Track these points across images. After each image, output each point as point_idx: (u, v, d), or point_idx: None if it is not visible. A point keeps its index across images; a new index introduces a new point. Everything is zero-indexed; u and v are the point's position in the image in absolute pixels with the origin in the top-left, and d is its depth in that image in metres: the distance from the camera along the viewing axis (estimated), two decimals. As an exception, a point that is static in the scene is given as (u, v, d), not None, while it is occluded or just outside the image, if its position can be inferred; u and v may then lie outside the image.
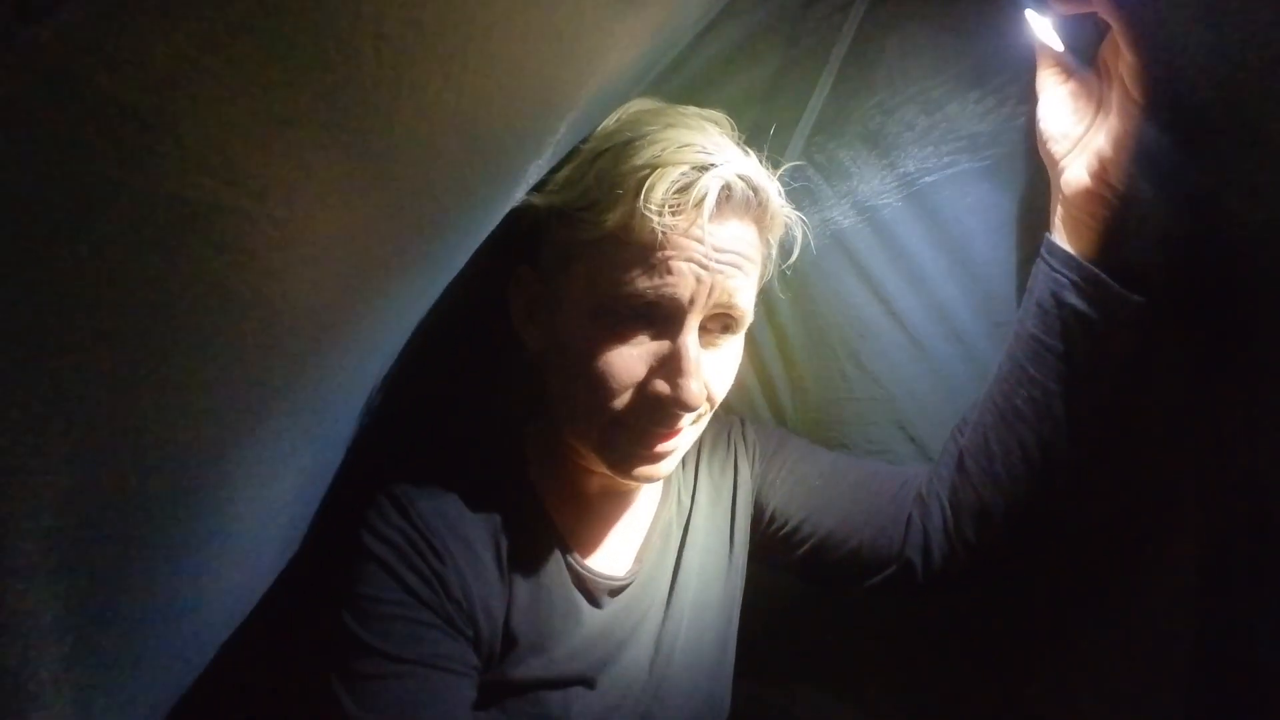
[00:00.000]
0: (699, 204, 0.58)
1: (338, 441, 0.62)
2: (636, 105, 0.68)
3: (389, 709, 0.59)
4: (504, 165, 0.58)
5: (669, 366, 0.61)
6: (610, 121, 0.66)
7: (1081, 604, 0.77)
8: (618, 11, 0.54)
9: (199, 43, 0.27)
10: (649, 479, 0.66)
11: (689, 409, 0.61)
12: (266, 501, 0.52)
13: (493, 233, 0.62)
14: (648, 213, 0.57)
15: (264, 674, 0.68)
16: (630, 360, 0.61)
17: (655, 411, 0.62)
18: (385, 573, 0.62)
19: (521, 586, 0.67)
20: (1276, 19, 0.51)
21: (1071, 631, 0.78)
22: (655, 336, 0.62)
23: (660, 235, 0.58)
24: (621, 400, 0.62)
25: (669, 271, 0.59)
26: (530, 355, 0.69)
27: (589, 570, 0.70)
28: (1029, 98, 0.73)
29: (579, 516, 0.72)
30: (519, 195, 0.64)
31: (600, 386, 0.62)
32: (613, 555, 0.73)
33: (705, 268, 0.59)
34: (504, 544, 0.67)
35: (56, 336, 0.29)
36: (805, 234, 0.70)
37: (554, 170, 0.65)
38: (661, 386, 0.61)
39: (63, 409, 0.30)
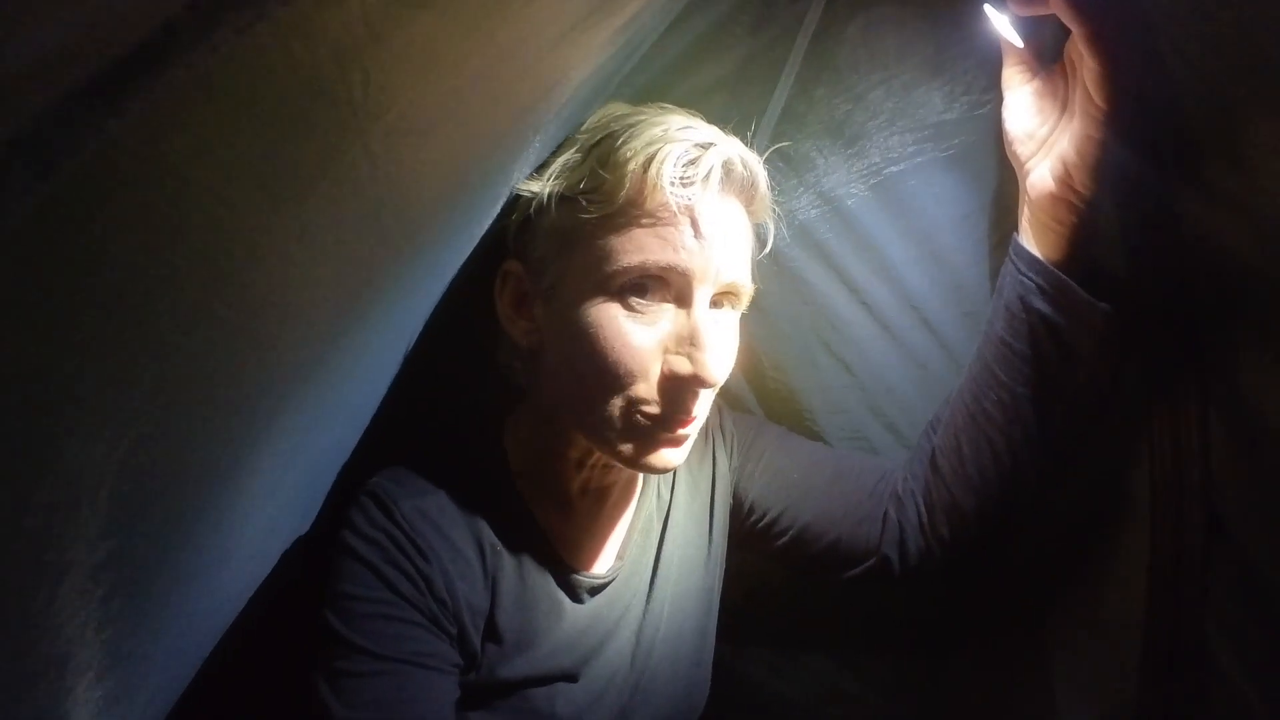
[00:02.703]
0: (706, 178, 0.61)
1: (332, 451, 0.64)
2: (611, 108, 0.68)
3: (373, 706, 0.61)
4: (479, 192, 0.59)
5: (686, 343, 0.62)
6: (594, 119, 0.66)
7: (1048, 590, 0.81)
8: (581, 28, 0.53)
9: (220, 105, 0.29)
10: (667, 468, 0.66)
11: (709, 385, 0.62)
12: (267, 513, 0.54)
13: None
14: (660, 184, 0.58)
15: (252, 673, 0.70)
16: (647, 338, 0.62)
17: (676, 391, 0.62)
18: (369, 571, 0.63)
19: (505, 585, 0.68)
20: (1247, 27, 0.52)
21: (1041, 615, 0.82)
22: (668, 315, 0.62)
23: (672, 207, 0.60)
24: (642, 382, 0.62)
25: (681, 244, 0.60)
26: (518, 352, 0.69)
27: (572, 568, 0.72)
28: (994, 86, 0.73)
29: (561, 514, 0.73)
30: (495, 212, 0.64)
31: (619, 367, 0.61)
32: (595, 552, 0.75)
33: (713, 241, 0.61)
34: (487, 543, 0.68)
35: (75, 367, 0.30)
36: (776, 223, 0.72)
37: (542, 164, 0.65)
38: (681, 364, 0.62)
39: (101, 444, 0.32)
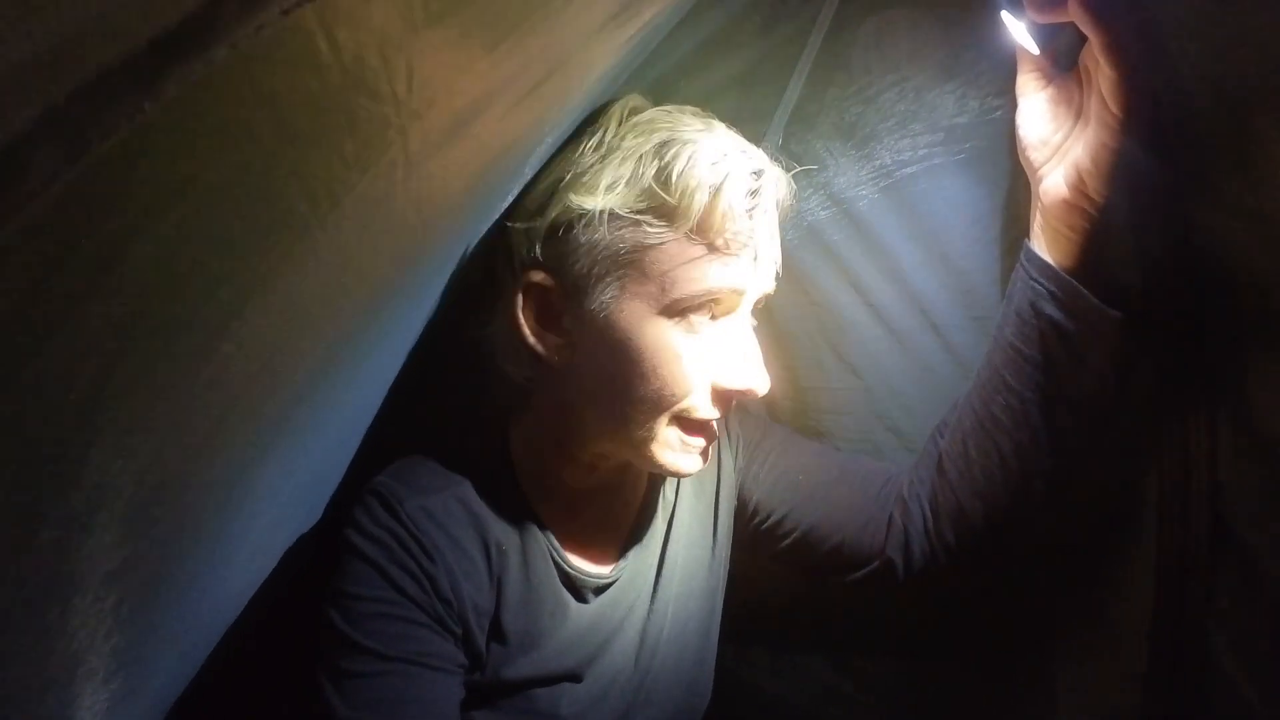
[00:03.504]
0: (765, 205, 0.63)
1: (336, 450, 0.65)
2: (635, 103, 0.68)
3: (377, 706, 0.61)
4: (491, 192, 0.59)
5: (734, 355, 0.65)
6: (627, 120, 0.65)
7: (1052, 596, 0.81)
8: (610, 26, 0.53)
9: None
10: (695, 471, 0.68)
11: (761, 395, 0.65)
12: (272, 513, 0.55)
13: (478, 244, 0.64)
14: (732, 215, 0.61)
15: (257, 671, 0.70)
16: (703, 353, 0.63)
17: (724, 401, 0.65)
18: (374, 571, 0.63)
19: (510, 585, 0.68)
20: (1252, 33, 0.52)
21: (1045, 620, 0.82)
22: (718, 328, 0.64)
23: (742, 238, 0.62)
24: (694, 395, 0.64)
25: (742, 267, 0.63)
26: (520, 358, 0.68)
27: (576, 568, 0.71)
28: (1007, 91, 0.72)
29: (565, 514, 0.72)
30: (500, 210, 0.63)
31: (676, 384, 0.63)
32: (599, 552, 0.75)
33: (764, 260, 0.65)
34: (492, 542, 0.68)
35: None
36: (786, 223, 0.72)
37: (569, 170, 0.64)
38: (734, 378, 0.64)
39: (113, 457, 0.31)
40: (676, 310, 0.62)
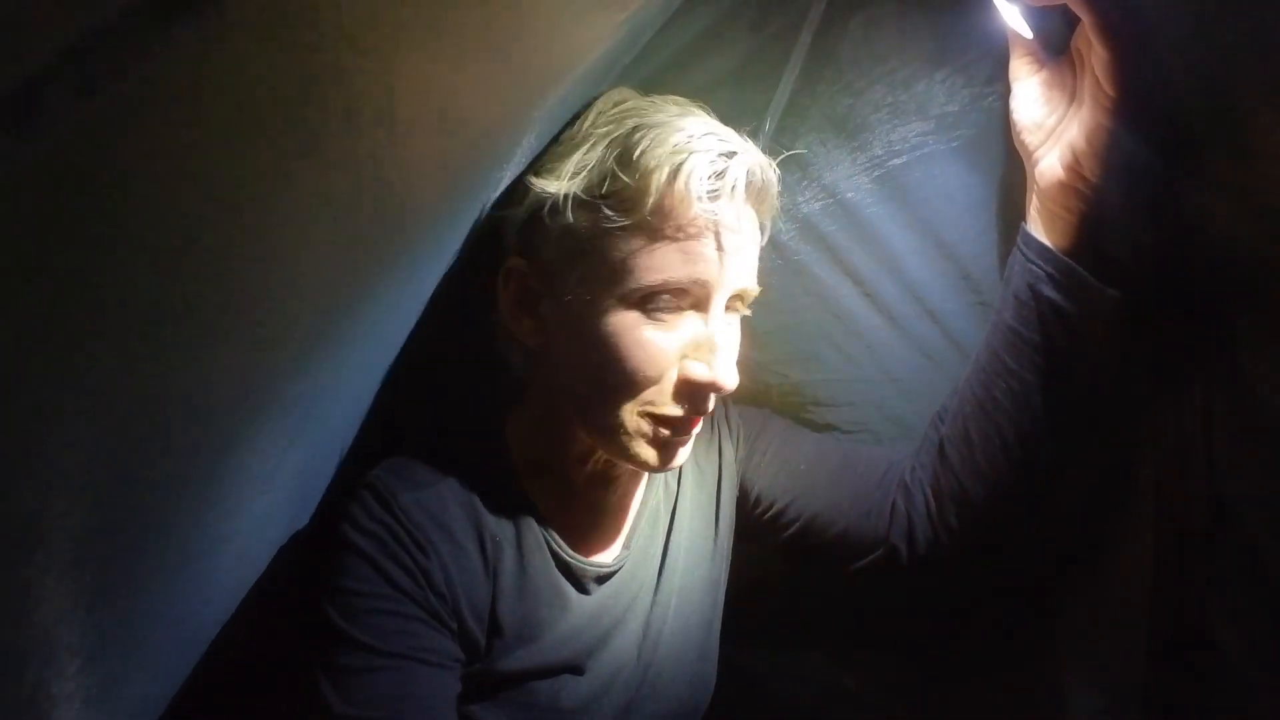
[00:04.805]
0: (731, 191, 0.61)
1: (329, 442, 0.64)
2: (619, 95, 0.68)
3: (372, 702, 0.60)
4: (477, 174, 0.58)
5: (701, 349, 0.63)
6: (607, 109, 0.65)
7: (1053, 578, 0.81)
8: (597, 8, 0.53)
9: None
10: (673, 467, 0.67)
11: (724, 390, 0.63)
12: (262, 502, 0.54)
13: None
14: (689, 198, 0.59)
15: (252, 667, 0.69)
16: (664, 345, 0.62)
17: (691, 395, 0.64)
18: (368, 566, 0.63)
19: (506, 577, 0.68)
20: (1239, 15, 0.52)
21: (1046, 602, 0.82)
22: (686, 320, 0.63)
23: (699, 222, 0.60)
24: (657, 386, 0.63)
25: (704, 255, 0.61)
26: (516, 345, 0.69)
27: (575, 558, 0.71)
28: (997, 77, 0.73)
29: (564, 504, 0.72)
30: (490, 199, 0.63)
31: (636, 374, 0.62)
32: (600, 542, 0.74)
33: (732, 252, 0.62)
34: (488, 534, 0.67)
35: (81, 347, 0.29)
36: (777, 216, 0.72)
37: (546, 158, 0.64)
38: (699, 370, 0.63)
39: (88, 413, 0.31)
40: (635, 299, 0.61)
